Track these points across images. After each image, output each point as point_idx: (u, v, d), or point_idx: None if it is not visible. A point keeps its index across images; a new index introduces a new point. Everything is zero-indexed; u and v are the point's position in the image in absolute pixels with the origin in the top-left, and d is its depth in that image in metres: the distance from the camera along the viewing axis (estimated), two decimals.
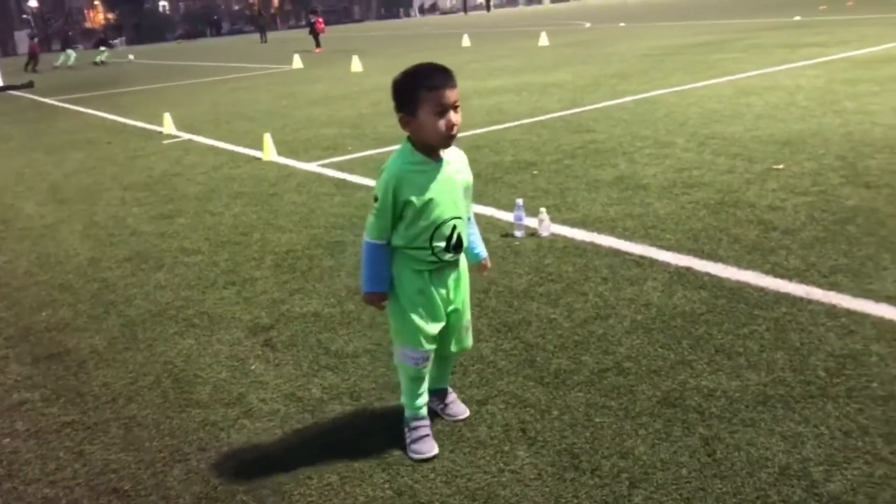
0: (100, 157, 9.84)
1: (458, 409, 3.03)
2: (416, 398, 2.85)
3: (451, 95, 2.51)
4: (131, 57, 40.03)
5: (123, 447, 3.03)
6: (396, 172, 2.57)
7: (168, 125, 11.41)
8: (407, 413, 2.87)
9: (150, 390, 3.47)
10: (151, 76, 25.13)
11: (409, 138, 2.61)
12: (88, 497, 2.74)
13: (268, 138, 8.73)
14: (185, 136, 10.93)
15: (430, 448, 2.79)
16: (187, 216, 6.47)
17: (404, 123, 2.57)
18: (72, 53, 36.12)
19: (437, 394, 3.02)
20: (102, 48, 37.92)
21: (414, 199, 2.56)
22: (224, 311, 4.32)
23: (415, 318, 2.68)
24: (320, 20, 32.78)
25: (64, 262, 5.52)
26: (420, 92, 2.50)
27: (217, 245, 5.57)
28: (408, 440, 2.82)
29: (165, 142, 10.60)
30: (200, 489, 2.72)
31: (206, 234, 5.89)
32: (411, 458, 2.77)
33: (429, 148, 2.59)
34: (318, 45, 31.46)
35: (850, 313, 3.57)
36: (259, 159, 8.65)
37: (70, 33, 50.14)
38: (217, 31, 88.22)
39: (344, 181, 7.20)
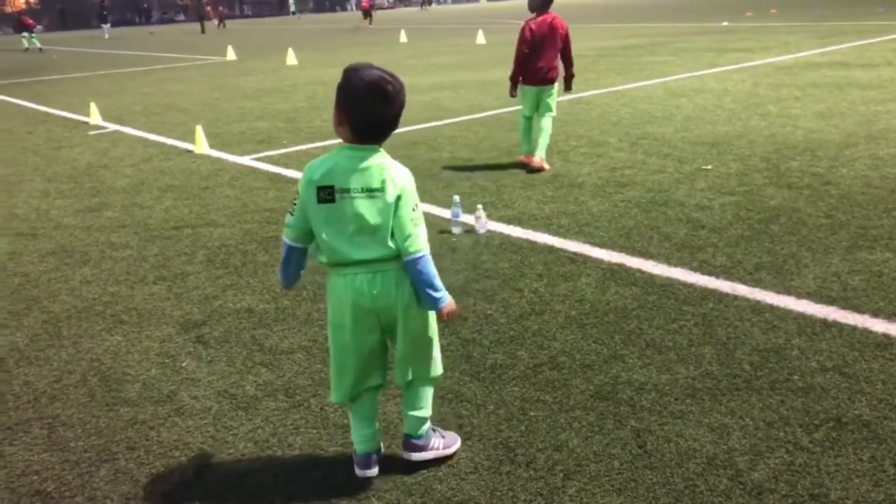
0: (20, 148, 9.45)
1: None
2: None
3: None
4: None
5: (47, 447, 2.92)
6: None
7: (94, 115, 11.03)
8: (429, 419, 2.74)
9: (75, 389, 3.36)
10: (76, 65, 24.23)
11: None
12: (9, 499, 2.63)
13: (200, 131, 8.54)
14: (113, 126, 10.59)
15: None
16: (115, 209, 6.27)
17: None
18: None
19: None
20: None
21: None
22: (154, 307, 4.21)
23: None
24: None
25: None
26: None
27: (146, 239, 5.42)
28: (441, 445, 2.71)
29: (91, 132, 10.25)
30: (129, 489, 2.64)
31: (134, 228, 5.72)
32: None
33: None
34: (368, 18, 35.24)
35: (773, 309, 3.71)
36: (191, 152, 8.45)
37: None
38: (146, 20, 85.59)
39: (278, 175, 7.10)
